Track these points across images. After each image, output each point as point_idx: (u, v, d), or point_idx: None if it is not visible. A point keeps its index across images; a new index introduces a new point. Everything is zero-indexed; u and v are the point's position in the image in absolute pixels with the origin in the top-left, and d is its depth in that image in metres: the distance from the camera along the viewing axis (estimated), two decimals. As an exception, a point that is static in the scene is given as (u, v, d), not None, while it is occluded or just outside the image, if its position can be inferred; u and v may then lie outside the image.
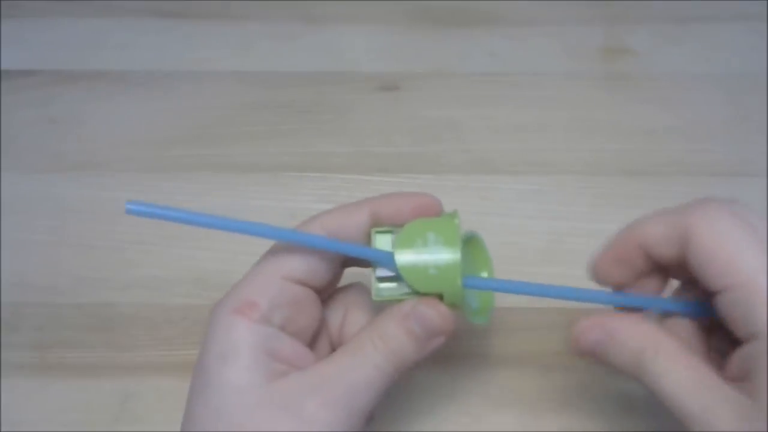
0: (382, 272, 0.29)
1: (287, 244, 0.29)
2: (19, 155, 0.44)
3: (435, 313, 0.28)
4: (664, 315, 0.30)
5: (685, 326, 0.29)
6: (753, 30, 0.48)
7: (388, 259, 0.28)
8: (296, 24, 0.49)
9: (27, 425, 0.36)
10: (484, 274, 0.31)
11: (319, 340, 0.31)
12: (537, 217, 0.41)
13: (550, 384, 0.36)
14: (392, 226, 0.29)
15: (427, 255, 0.28)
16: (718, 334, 0.28)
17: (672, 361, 0.26)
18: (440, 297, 0.28)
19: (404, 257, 0.28)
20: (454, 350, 0.36)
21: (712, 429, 0.24)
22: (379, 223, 0.29)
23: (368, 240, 0.29)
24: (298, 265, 0.28)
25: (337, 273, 0.31)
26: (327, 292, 0.31)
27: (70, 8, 0.50)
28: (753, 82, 0.46)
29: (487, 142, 0.44)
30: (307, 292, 0.29)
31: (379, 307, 0.30)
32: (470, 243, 0.31)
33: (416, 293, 0.28)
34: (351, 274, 0.31)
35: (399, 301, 0.29)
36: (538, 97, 0.46)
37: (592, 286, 0.30)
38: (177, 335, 0.38)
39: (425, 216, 0.29)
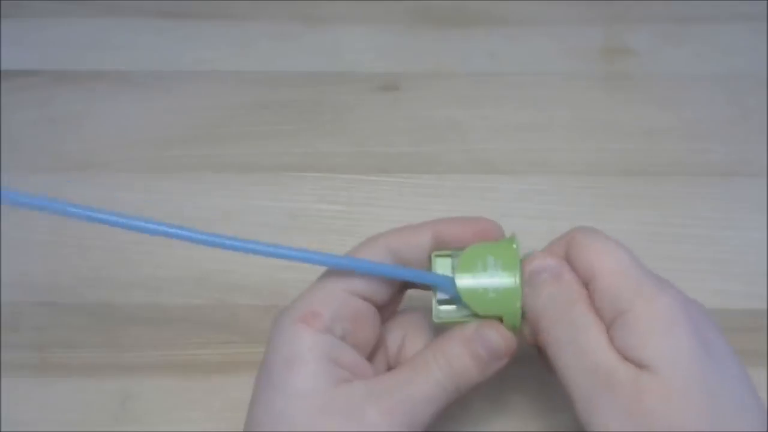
0: (442, 295, 0.29)
1: (352, 271, 0.29)
2: (19, 155, 0.44)
3: (498, 336, 0.29)
4: None
5: None
6: (753, 30, 0.48)
7: (448, 284, 0.29)
8: (296, 24, 0.49)
9: (27, 425, 0.36)
10: None
11: (376, 357, 0.31)
12: (537, 217, 0.41)
13: (552, 384, 0.36)
14: (453, 249, 0.30)
15: (486, 279, 0.28)
16: None
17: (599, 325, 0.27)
18: (500, 319, 0.29)
19: (464, 281, 0.29)
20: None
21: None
22: (440, 245, 0.30)
23: (429, 262, 0.30)
24: (360, 280, 0.29)
25: (399, 292, 0.31)
26: (389, 310, 0.32)
27: (70, 8, 0.50)
28: (753, 82, 0.46)
29: (487, 142, 0.44)
30: (369, 307, 0.30)
31: (439, 332, 0.30)
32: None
33: (476, 316, 0.29)
34: (412, 294, 0.32)
35: (458, 323, 0.29)
36: (538, 97, 0.46)
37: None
38: (177, 335, 0.38)
39: (486, 240, 0.30)
